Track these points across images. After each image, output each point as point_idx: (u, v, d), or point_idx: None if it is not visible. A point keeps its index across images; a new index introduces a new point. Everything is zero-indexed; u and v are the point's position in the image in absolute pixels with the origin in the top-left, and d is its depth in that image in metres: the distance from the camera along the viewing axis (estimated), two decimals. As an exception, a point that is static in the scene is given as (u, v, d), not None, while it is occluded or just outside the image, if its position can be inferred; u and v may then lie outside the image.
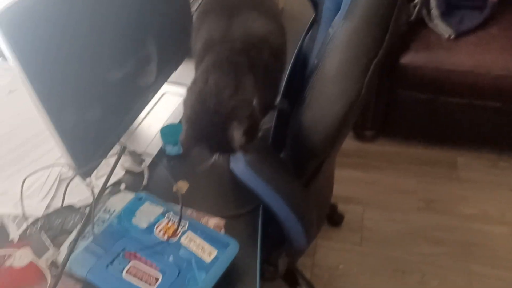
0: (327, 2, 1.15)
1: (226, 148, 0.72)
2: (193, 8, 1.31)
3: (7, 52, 0.66)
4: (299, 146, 0.84)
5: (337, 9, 1.07)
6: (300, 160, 0.88)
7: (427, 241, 1.72)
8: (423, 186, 1.92)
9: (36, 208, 0.83)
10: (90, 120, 0.84)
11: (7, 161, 0.92)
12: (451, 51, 1.75)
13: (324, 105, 0.78)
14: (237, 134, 0.69)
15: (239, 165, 0.77)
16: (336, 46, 0.77)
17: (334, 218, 1.76)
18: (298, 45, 1.29)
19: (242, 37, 0.80)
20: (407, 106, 1.93)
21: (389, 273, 1.64)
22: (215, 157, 0.76)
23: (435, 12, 1.83)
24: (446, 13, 1.84)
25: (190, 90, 0.77)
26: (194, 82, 0.77)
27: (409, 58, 1.77)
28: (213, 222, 0.81)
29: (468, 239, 1.71)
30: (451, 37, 1.78)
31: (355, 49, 0.76)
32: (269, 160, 0.82)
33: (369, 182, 1.95)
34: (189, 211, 0.83)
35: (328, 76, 0.77)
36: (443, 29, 1.80)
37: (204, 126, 0.73)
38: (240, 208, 0.88)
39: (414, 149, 2.06)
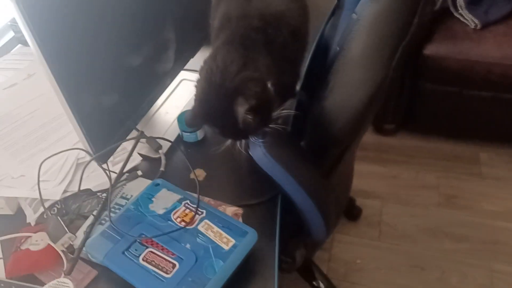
0: (350, -13, 1.11)
1: (233, 128, 0.70)
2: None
3: (27, 37, 0.64)
4: (320, 132, 0.82)
5: (361, -6, 1.04)
6: (320, 148, 0.85)
7: (447, 237, 1.67)
8: (444, 181, 1.87)
9: (53, 192, 0.82)
10: (108, 105, 0.83)
11: (25, 144, 0.92)
12: (478, 41, 1.69)
13: (347, 90, 0.75)
14: (241, 110, 0.67)
15: (257, 150, 0.75)
16: (362, 28, 0.74)
17: (352, 212, 1.73)
18: (319, 33, 1.26)
19: (259, 14, 0.77)
20: (430, 99, 1.87)
21: (408, 269, 1.60)
22: (228, 141, 0.74)
23: (460, 1, 1.77)
24: (472, 2, 1.77)
25: (201, 68, 0.75)
26: (205, 60, 0.75)
27: (433, 49, 1.71)
28: (230, 210, 0.79)
29: (490, 236, 1.66)
30: (478, 27, 1.72)
31: (382, 32, 0.72)
32: (288, 146, 0.80)
33: (389, 177, 1.91)
34: (206, 199, 0.81)
35: (353, 60, 0.74)
36: (469, 19, 1.74)
37: (210, 104, 0.71)
38: (258, 197, 0.85)
39: (434, 143, 2.01)
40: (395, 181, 1.89)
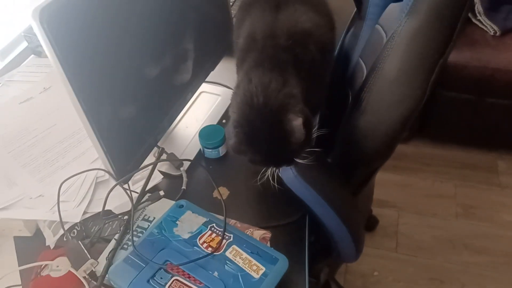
0: (374, -2, 1.08)
1: (279, 151, 0.67)
2: (232, 6, 1.26)
3: (46, 49, 0.62)
4: (351, 152, 0.79)
5: (385, 5, 1.01)
6: (350, 168, 0.82)
7: (467, 249, 1.64)
8: (461, 190, 1.83)
9: (73, 213, 0.79)
10: (129, 121, 0.80)
11: (44, 161, 0.89)
12: (497, 48, 1.66)
13: (382, 111, 0.72)
14: (297, 124, 0.64)
15: (288, 172, 0.72)
16: (398, 45, 0.70)
17: (369, 223, 1.70)
18: (339, 42, 1.23)
19: (287, 33, 0.74)
20: (447, 106, 1.83)
21: (426, 281, 1.57)
22: (271, 168, 0.71)
23: (479, 7, 1.74)
24: (491, 9, 1.74)
25: (234, 94, 0.72)
26: (238, 85, 0.72)
27: (452, 56, 1.66)
28: (258, 234, 0.76)
29: (510, 248, 1.62)
30: (497, 34, 1.69)
31: (420, 49, 0.69)
32: (319, 167, 0.76)
33: (404, 185, 1.87)
34: (232, 222, 0.78)
35: (388, 79, 0.71)
36: (488, 25, 1.71)
37: (255, 127, 0.67)
38: (285, 217, 0.82)
39: (450, 151, 1.97)
40: (411, 190, 1.86)
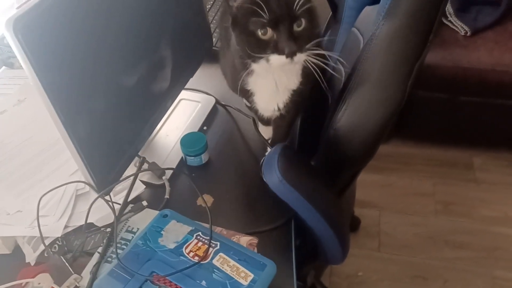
0: (349, 1, 1.09)
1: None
2: (208, 11, 1.25)
3: (21, 60, 0.60)
4: (334, 155, 0.79)
5: (361, 8, 1.02)
6: (334, 170, 0.82)
7: (447, 245, 1.67)
8: (439, 188, 1.87)
9: (54, 228, 0.77)
10: (108, 131, 0.78)
11: (21, 175, 0.86)
12: (469, 48, 1.70)
13: (363, 113, 0.73)
14: None
15: (273, 177, 0.71)
16: (376, 48, 0.71)
17: (351, 223, 1.71)
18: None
19: None
20: (422, 106, 1.87)
21: (410, 279, 1.59)
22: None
23: (449, 8, 1.78)
24: (461, 10, 1.79)
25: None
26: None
27: (425, 57, 1.71)
28: (245, 240, 0.75)
29: (489, 243, 1.66)
30: (468, 34, 1.73)
31: (398, 52, 0.70)
32: (304, 171, 0.77)
33: (384, 185, 1.90)
34: (218, 229, 0.77)
35: (368, 82, 0.71)
36: (458, 26, 1.75)
37: None
38: (271, 222, 0.82)
39: (428, 149, 2.01)
40: (391, 189, 1.89)
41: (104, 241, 0.75)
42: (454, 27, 1.76)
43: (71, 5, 0.64)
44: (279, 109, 0.85)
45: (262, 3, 0.65)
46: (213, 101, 1.09)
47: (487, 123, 1.86)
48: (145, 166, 0.90)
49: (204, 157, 0.93)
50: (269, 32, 0.67)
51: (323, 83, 0.75)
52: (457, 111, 1.84)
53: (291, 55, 0.66)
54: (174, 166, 0.93)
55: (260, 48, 0.68)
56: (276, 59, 0.68)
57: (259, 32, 0.67)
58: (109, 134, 0.78)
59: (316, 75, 0.73)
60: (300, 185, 0.71)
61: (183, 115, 1.05)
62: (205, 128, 1.03)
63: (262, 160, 0.75)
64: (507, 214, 1.74)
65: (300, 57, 0.68)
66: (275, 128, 0.95)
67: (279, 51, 0.67)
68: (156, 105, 0.92)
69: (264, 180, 0.72)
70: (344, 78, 0.94)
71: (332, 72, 0.84)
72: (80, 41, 0.67)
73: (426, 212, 1.78)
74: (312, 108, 1.02)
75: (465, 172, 1.92)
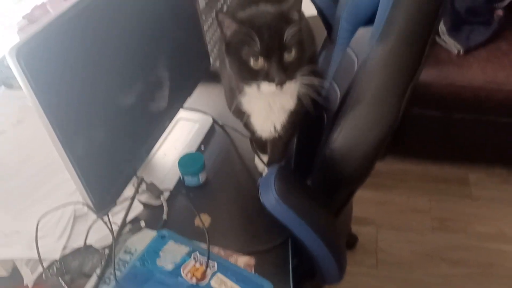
0: (343, 23, 1.12)
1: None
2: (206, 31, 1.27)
3: (22, 85, 0.61)
4: (330, 175, 0.80)
5: (355, 29, 1.05)
6: (330, 190, 0.83)
7: (444, 262, 1.67)
8: (435, 204, 1.88)
9: (52, 249, 0.77)
10: (106, 151, 0.79)
11: (18, 195, 0.87)
12: (462, 67, 1.73)
13: (358, 133, 0.74)
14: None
15: (270, 198, 0.72)
16: (371, 70, 0.73)
17: (348, 241, 1.71)
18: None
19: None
20: (417, 123, 1.89)
21: (408, 297, 1.59)
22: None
23: (442, 27, 1.81)
24: (453, 29, 1.82)
25: None
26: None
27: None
28: (242, 260, 0.75)
29: (485, 259, 1.66)
30: (461, 53, 1.76)
31: (391, 74, 0.72)
32: (300, 192, 0.78)
33: (381, 202, 1.90)
34: (216, 249, 0.77)
35: (363, 103, 0.73)
36: (451, 44, 1.78)
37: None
38: (268, 242, 0.83)
39: (423, 166, 2.02)
40: (388, 206, 1.89)
41: (102, 262, 0.75)
42: (447, 46, 1.79)
43: (70, 33, 0.66)
44: (276, 130, 0.86)
45: (255, 33, 0.67)
46: (210, 121, 1.10)
47: (481, 140, 1.87)
48: (143, 186, 0.91)
49: (202, 177, 0.94)
50: (261, 61, 0.69)
51: (317, 106, 0.77)
52: (451, 128, 1.86)
53: (280, 83, 0.69)
54: (172, 186, 0.94)
55: (251, 75, 0.71)
56: (266, 87, 0.71)
57: (251, 61, 0.70)
58: (107, 155, 0.79)
59: (310, 101, 0.75)
60: (297, 206, 0.72)
61: (181, 135, 1.06)
62: (202, 147, 1.04)
63: (259, 181, 0.76)
64: (502, 230, 1.75)
65: (290, 86, 0.71)
66: (271, 148, 0.96)
67: (269, 80, 0.70)
68: (154, 125, 0.93)
69: (261, 200, 0.73)
70: (339, 99, 0.96)
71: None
72: (79, 65, 0.68)
73: (423, 229, 1.79)
74: (308, 128, 1.03)
75: (461, 188, 1.93)
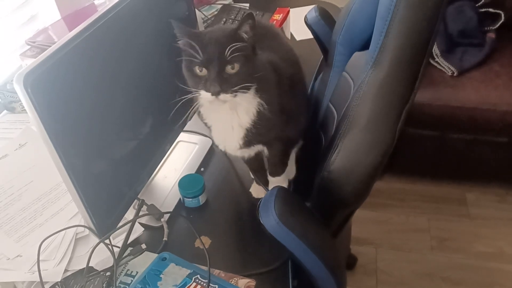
0: (339, 47, 1.15)
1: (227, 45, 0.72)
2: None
3: (28, 111, 0.63)
4: (328, 196, 0.81)
5: (350, 54, 1.07)
6: (329, 211, 0.84)
7: (444, 282, 1.67)
8: (434, 223, 1.88)
9: (53, 272, 0.78)
10: (108, 176, 0.80)
11: (21, 220, 0.88)
12: (456, 88, 1.76)
13: (355, 156, 0.76)
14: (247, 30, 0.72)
15: (270, 219, 0.73)
16: (366, 95, 0.75)
17: (348, 261, 1.71)
18: (310, 88, 1.29)
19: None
20: (414, 143, 1.91)
21: (409, 318, 1.58)
22: None
23: (436, 50, 1.86)
24: (447, 51, 1.86)
25: None
26: None
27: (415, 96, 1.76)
28: (243, 283, 0.76)
29: (485, 278, 1.66)
30: (455, 74, 1.80)
31: (387, 97, 0.74)
32: (300, 213, 0.79)
33: (380, 221, 1.91)
34: (216, 272, 0.78)
35: (359, 126, 0.75)
36: (445, 66, 1.82)
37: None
38: (268, 264, 0.83)
39: (421, 186, 2.04)
40: (387, 225, 1.90)
41: (104, 285, 0.76)
42: (441, 68, 1.83)
43: (76, 60, 0.67)
44: (240, 146, 0.87)
45: (197, 46, 0.73)
46: (209, 142, 1.12)
47: (477, 159, 1.90)
48: (144, 208, 0.92)
49: (202, 199, 0.95)
50: (204, 70, 0.74)
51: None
52: (448, 147, 1.88)
53: (216, 94, 0.73)
54: (172, 208, 0.95)
55: (195, 83, 0.76)
56: (204, 95, 0.75)
57: (196, 69, 0.74)
58: (109, 179, 0.80)
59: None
60: (296, 227, 0.73)
61: (181, 157, 1.08)
62: (202, 169, 1.05)
63: (259, 203, 0.77)
64: (502, 250, 1.75)
65: (226, 97, 0.74)
66: (269, 161, 0.97)
67: (206, 89, 0.74)
68: (155, 149, 0.95)
69: (261, 222, 0.74)
70: (336, 121, 0.98)
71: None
72: (84, 91, 0.70)
73: (422, 249, 1.79)
74: (306, 149, 1.05)
75: (459, 207, 1.94)
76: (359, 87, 0.77)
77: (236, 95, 0.75)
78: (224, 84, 0.73)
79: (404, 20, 0.70)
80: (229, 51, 0.72)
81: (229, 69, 0.73)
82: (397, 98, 0.74)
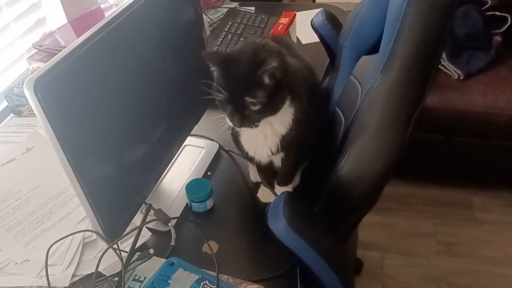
0: (346, 51, 1.14)
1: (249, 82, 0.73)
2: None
3: (38, 116, 0.63)
4: (338, 202, 0.81)
5: (358, 57, 1.07)
6: (338, 216, 0.84)
7: (451, 287, 1.65)
8: (440, 228, 1.87)
9: (61, 277, 0.78)
10: (116, 180, 0.80)
11: (29, 224, 0.88)
12: (463, 91, 1.75)
13: (365, 161, 0.75)
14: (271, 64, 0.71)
15: (279, 225, 0.73)
16: (375, 100, 0.75)
17: (354, 266, 1.70)
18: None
19: None
20: (420, 147, 1.90)
21: (415, 323, 1.57)
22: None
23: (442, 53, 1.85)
24: (454, 54, 1.86)
25: None
26: None
27: (421, 100, 1.76)
28: (252, 288, 0.76)
29: (493, 284, 1.65)
30: (461, 78, 1.79)
31: (396, 103, 0.74)
32: (308, 219, 0.78)
33: (386, 226, 1.90)
34: (225, 277, 0.77)
35: (369, 132, 0.75)
36: (452, 70, 1.82)
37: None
38: (277, 269, 0.83)
39: (427, 189, 2.03)
40: (393, 230, 1.89)
41: (112, 290, 0.76)
42: (447, 71, 1.82)
43: (85, 65, 0.67)
44: (272, 153, 0.87)
45: (220, 86, 0.75)
46: (216, 146, 1.11)
47: (484, 163, 1.89)
48: (151, 212, 0.92)
49: (209, 203, 0.95)
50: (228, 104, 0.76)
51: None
52: (454, 151, 1.87)
53: (237, 127, 0.79)
54: (179, 212, 0.95)
55: (223, 109, 0.79)
56: (229, 122, 0.79)
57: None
58: (117, 184, 0.80)
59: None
60: (305, 233, 0.73)
61: (188, 161, 1.08)
62: (209, 173, 1.05)
63: (267, 208, 0.77)
64: (509, 255, 1.74)
65: (246, 129, 0.78)
66: (280, 168, 0.97)
67: (230, 119, 0.78)
68: (163, 153, 0.95)
69: (270, 227, 0.74)
70: (343, 125, 0.98)
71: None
72: (94, 96, 0.70)
73: (429, 253, 1.78)
74: (314, 154, 1.05)
75: (465, 212, 1.93)
76: (368, 92, 0.77)
77: (257, 126, 0.77)
78: (245, 121, 0.76)
79: (414, 26, 0.69)
80: (248, 99, 0.74)
81: (251, 108, 0.75)
82: (407, 104, 0.73)
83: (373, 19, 0.97)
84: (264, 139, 0.85)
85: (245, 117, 0.75)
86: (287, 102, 0.79)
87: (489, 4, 1.93)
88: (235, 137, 0.91)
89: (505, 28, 1.91)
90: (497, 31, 1.91)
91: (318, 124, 0.97)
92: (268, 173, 0.98)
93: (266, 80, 0.74)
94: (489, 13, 1.92)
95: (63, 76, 0.63)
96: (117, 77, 0.76)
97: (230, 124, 0.78)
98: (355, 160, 0.75)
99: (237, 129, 0.85)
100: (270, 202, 0.84)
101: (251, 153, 0.91)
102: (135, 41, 0.80)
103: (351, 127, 0.78)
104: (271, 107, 0.76)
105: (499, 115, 1.70)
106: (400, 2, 0.70)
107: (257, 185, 1.00)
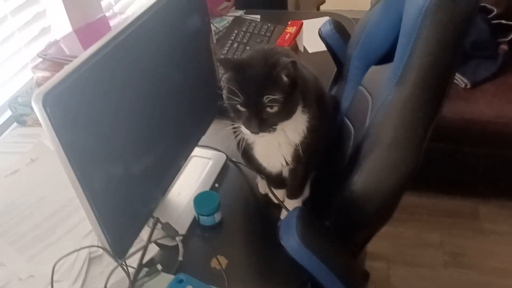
0: (354, 61, 1.13)
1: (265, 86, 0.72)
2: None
3: (46, 130, 0.61)
4: (350, 216, 0.79)
5: (366, 68, 1.06)
6: (350, 231, 0.82)
7: (459, 300, 1.63)
8: (447, 239, 1.85)
9: (67, 294, 0.76)
10: (124, 195, 0.78)
11: (33, 237, 0.85)
12: (469, 100, 1.74)
13: (380, 176, 0.74)
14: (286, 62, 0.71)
15: (291, 241, 0.71)
16: (390, 113, 0.73)
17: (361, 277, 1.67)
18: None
19: None
20: (426, 156, 1.88)
21: (422, 336, 1.54)
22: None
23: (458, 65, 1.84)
24: (460, 63, 1.84)
25: None
26: None
27: (427, 109, 1.74)
28: (263, 306, 0.73)
29: (502, 296, 1.63)
30: (468, 87, 1.78)
31: (412, 116, 0.72)
32: (321, 234, 0.76)
33: (392, 236, 1.87)
34: (235, 294, 0.75)
35: (383, 145, 0.73)
36: (458, 79, 1.80)
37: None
38: (287, 285, 0.81)
39: (433, 199, 2.00)
40: (399, 240, 1.86)
41: (119, 308, 0.74)
42: (454, 80, 1.81)
43: (94, 79, 0.66)
44: (287, 163, 0.86)
45: (236, 90, 0.73)
46: (224, 158, 1.10)
47: (491, 173, 1.86)
48: (158, 226, 0.90)
49: (217, 217, 0.93)
50: (243, 108, 0.74)
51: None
52: (461, 161, 1.85)
53: (255, 133, 0.75)
54: (187, 225, 0.93)
55: (237, 117, 0.77)
56: (245, 130, 0.77)
57: (238, 106, 0.75)
58: (125, 196, 0.78)
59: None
60: (318, 250, 0.71)
61: (195, 172, 1.06)
62: (216, 185, 1.03)
63: (279, 223, 0.75)
64: (517, 266, 1.72)
65: (264, 134, 0.75)
66: (290, 180, 0.95)
67: (246, 126, 0.75)
68: (170, 166, 0.93)
69: (282, 243, 0.72)
70: (353, 136, 0.96)
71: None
72: (101, 109, 0.69)
73: (435, 264, 1.75)
74: (322, 165, 1.03)
75: (471, 222, 1.90)
76: (382, 105, 0.75)
77: (275, 130, 0.76)
78: (263, 125, 0.74)
79: (431, 39, 0.68)
80: (267, 99, 0.72)
81: (268, 110, 0.73)
82: (423, 117, 0.72)
83: (383, 29, 0.96)
84: (278, 148, 0.84)
85: (262, 121, 0.73)
86: (299, 109, 0.77)
87: (495, 12, 1.92)
88: (247, 152, 0.89)
89: (511, 36, 1.90)
90: (503, 39, 1.90)
91: (327, 134, 0.95)
92: (278, 185, 0.96)
93: (284, 78, 0.73)
94: (495, 21, 1.91)
95: (72, 90, 0.62)
96: (125, 89, 0.75)
97: (247, 131, 0.76)
98: (369, 175, 0.73)
99: (252, 139, 0.83)
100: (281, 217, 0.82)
101: (264, 164, 0.89)
102: (143, 53, 0.78)
103: (365, 141, 0.76)
104: (287, 109, 0.74)
105: (506, 125, 1.68)
106: (416, 14, 0.69)
107: (266, 197, 0.99)
